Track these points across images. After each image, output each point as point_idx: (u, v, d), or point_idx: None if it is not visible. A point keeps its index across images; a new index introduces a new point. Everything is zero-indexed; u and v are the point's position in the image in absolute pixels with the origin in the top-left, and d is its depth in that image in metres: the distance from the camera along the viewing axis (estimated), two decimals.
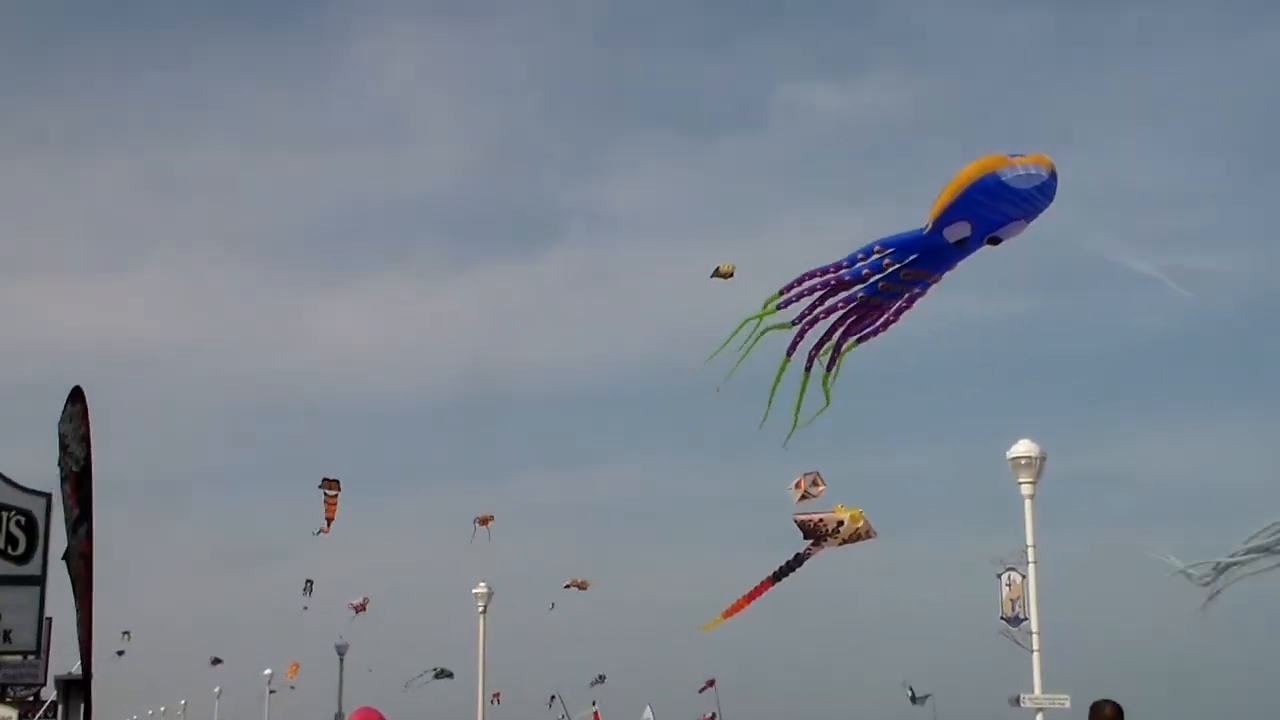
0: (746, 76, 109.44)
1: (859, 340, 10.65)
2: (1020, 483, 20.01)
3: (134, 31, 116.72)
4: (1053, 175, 9.79)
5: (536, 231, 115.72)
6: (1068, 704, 19.32)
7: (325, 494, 34.91)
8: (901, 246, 10.31)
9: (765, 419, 10.51)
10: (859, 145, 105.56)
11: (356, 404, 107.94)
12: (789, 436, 10.55)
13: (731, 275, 15.10)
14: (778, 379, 10.54)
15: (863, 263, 10.37)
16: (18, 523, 12.80)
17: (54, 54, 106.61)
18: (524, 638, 53.68)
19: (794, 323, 10.56)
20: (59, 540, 12.94)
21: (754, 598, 19.37)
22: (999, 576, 20.14)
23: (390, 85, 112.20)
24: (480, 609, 34.56)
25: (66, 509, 12.76)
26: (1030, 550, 19.91)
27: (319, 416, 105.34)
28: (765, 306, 10.55)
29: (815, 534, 20.16)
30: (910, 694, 48.79)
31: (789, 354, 10.55)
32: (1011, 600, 19.89)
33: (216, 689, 71.64)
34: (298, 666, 61.17)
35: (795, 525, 20.26)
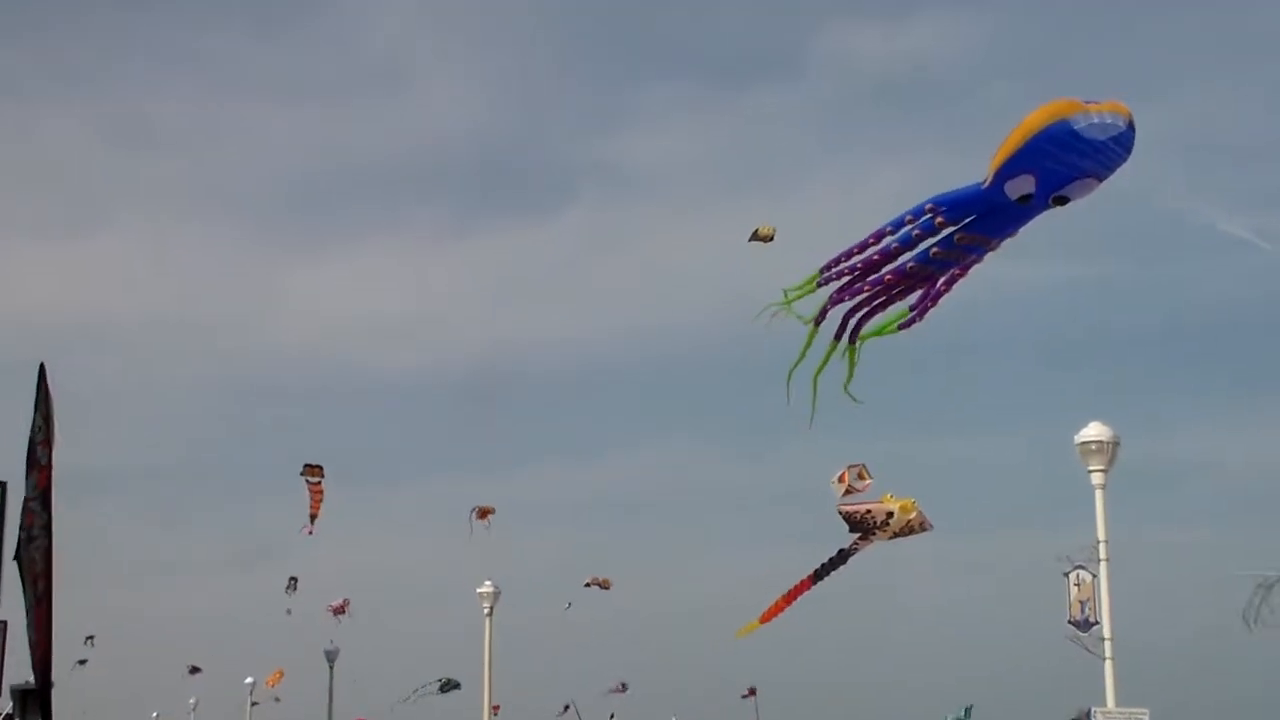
0: (781, 18, 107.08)
1: (909, 322, 10.45)
2: (1090, 470, 19.73)
3: None
4: (1130, 126, 9.46)
5: (546, 193, 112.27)
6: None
7: (308, 482, 34.14)
8: (956, 205, 9.95)
9: (789, 388, 10.42)
10: (907, 93, 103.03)
11: (346, 385, 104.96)
12: (811, 414, 10.48)
13: (771, 239, 15.33)
14: (803, 353, 10.35)
15: (911, 225, 10.06)
16: None
17: None
18: (534, 642, 53.05)
19: (831, 301, 10.41)
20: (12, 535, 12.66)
21: (793, 599, 19.22)
22: (1066, 575, 19.89)
23: (384, 29, 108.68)
24: (486, 610, 34.11)
25: (28, 500, 12.47)
26: (1102, 546, 19.65)
27: (304, 399, 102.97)
28: (805, 285, 10.43)
29: (862, 527, 19.99)
30: None
31: (817, 323, 10.41)
32: (1080, 602, 19.67)
33: (192, 700, 69.72)
34: (281, 674, 59.32)
35: (840, 517, 20.11)
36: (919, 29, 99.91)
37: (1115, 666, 19.38)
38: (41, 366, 12.59)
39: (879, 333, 10.56)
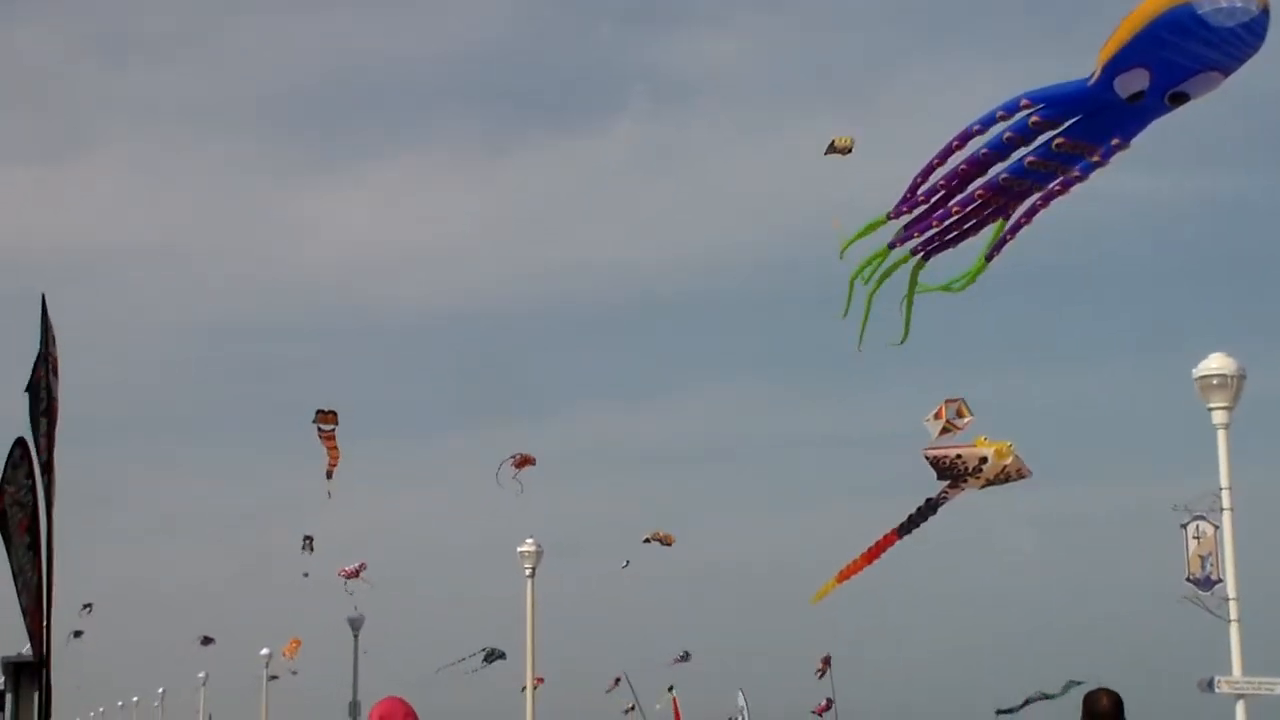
0: None
1: (999, 246, 10.19)
2: (1211, 408, 19.38)
3: None
4: (1264, 10, 8.98)
5: (590, 103, 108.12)
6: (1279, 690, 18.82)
7: (320, 430, 33.37)
8: (1057, 102, 9.49)
9: (846, 317, 10.32)
10: None
11: (364, 324, 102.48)
12: (860, 334, 10.41)
13: (850, 151, 15.93)
14: (860, 271, 10.19)
15: (1004, 124, 9.59)
16: None
17: None
18: (584, 607, 51.91)
19: (906, 233, 10.27)
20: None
21: (875, 556, 19.03)
22: (1184, 528, 19.56)
23: None
24: (527, 571, 33.22)
25: (33, 451, 12.26)
26: (1225, 494, 19.28)
27: (317, 339, 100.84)
28: (878, 221, 10.29)
29: (952, 473, 19.74)
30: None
31: (892, 246, 10.21)
32: (1201, 557, 19.28)
33: (201, 674, 68.61)
34: (298, 644, 58.07)
35: (927, 463, 19.93)
36: None
37: (1241, 630, 19.00)
38: (43, 299, 12.54)
39: (967, 279, 10.40)
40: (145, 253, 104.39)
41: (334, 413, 33.80)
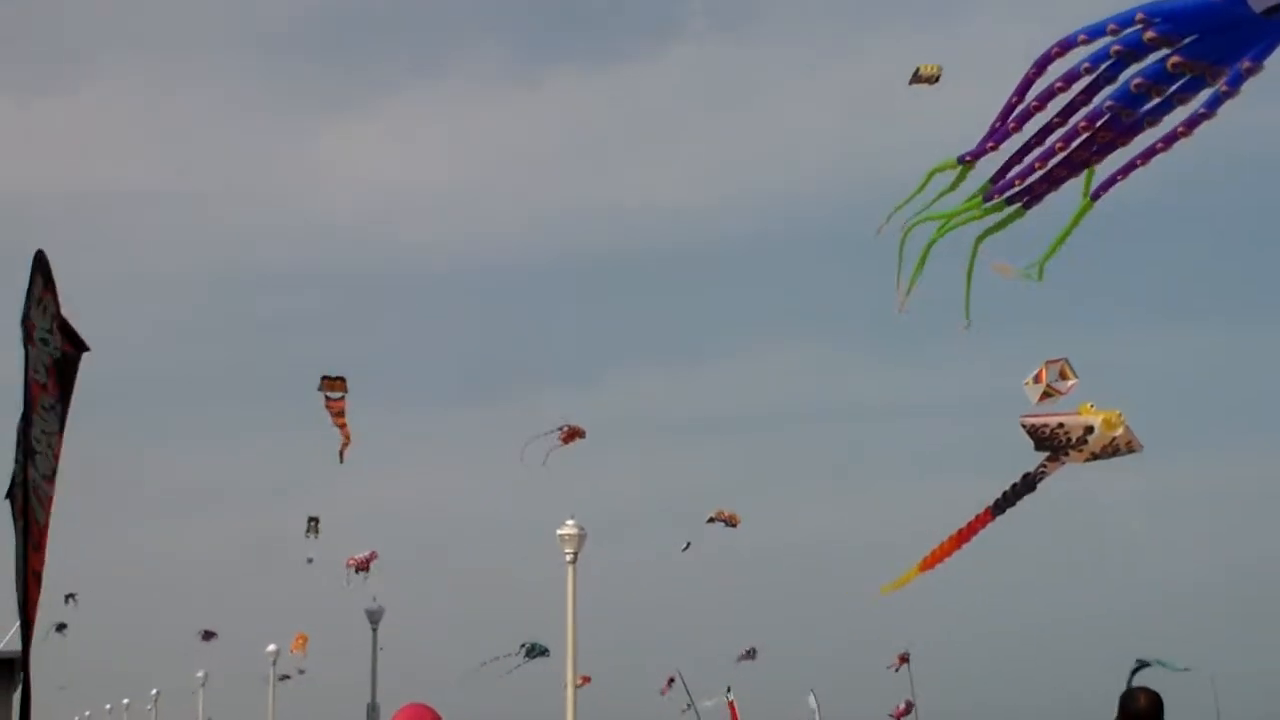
0: None
1: (1107, 185, 9.77)
2: None
3: None
4: None
5: (640, 27, 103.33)
6: None
7: (327, 398, 31.70)
8: (1177, 16, 8.75)
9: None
10: None
11: (383, 273, 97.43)
12: (910, 284, 10.16)
13: (937, 80, 15.89)
14: (941, 232, 9.81)
15: (1112, 38, 8.92)
16: None
17: None
18: (630, 596, 49.75)
19: (1000, 180, 9.86)
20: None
21: (964, 541, 18.54)
22: None
23: None
24: (568, 557, 32.25)
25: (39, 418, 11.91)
26: None
27: (332, 290, 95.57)
28: (944, 165, 10.07)
29: (1052, 444, 19.25)
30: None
31: (962, 160, 9.79)
32: None
33: (200, 673, 66.00)
34: (305, 639, 55.58)
35: (1024, 432, 19.43)
36: None
37: None
38: (40, 255, 12.11)
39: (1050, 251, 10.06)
40: (139, 197, 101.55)
41: (342, 379, 31.90)
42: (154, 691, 74.52)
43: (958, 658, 57.84)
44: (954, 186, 10.02)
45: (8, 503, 12.36)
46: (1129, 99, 9.19)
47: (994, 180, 9.89)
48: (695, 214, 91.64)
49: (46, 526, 12.24)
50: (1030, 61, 9.35)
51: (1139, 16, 8.85)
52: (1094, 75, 9.07)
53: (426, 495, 73.68)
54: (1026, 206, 9.94)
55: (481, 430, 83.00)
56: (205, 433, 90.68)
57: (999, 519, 19.17)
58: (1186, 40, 8.87)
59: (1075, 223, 9.98)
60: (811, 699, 50.24)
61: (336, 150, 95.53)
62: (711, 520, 42.25)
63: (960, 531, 18.89)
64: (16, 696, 12.87)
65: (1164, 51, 8.89)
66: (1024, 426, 19.54)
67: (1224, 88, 9.05)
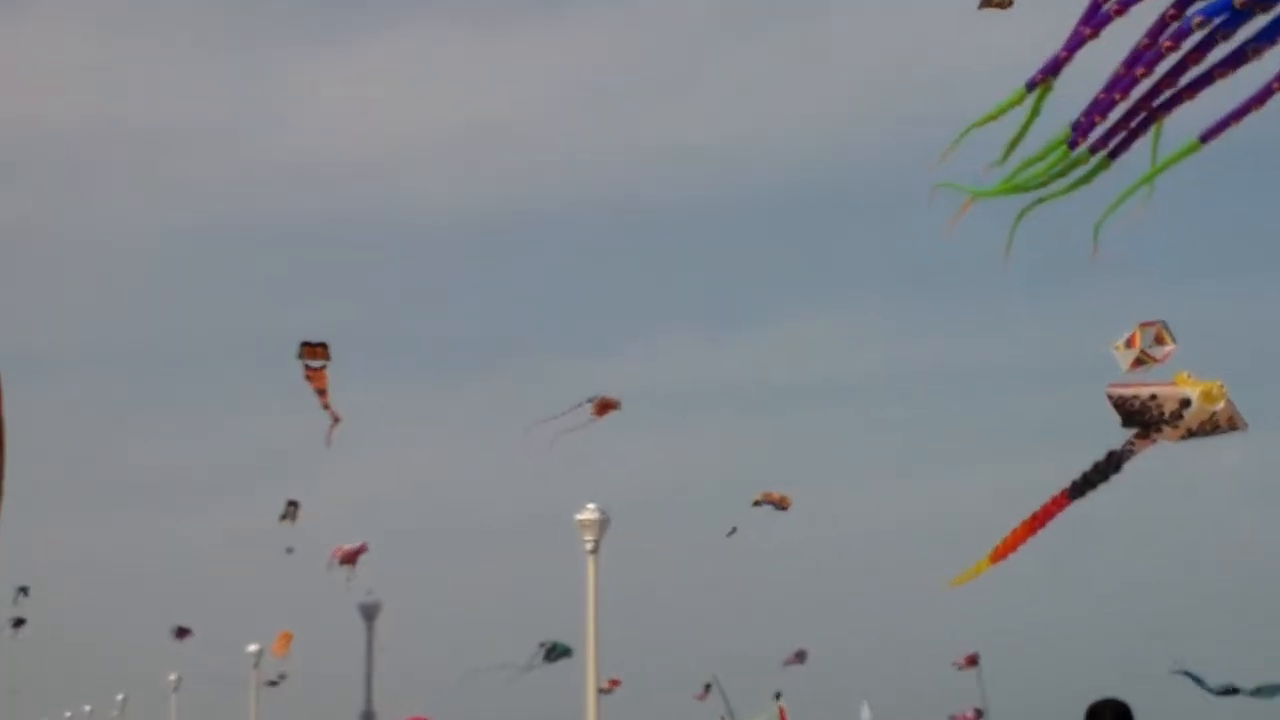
0: None
1: (1220, 128, 9.46)
2: None
3: None
4: None
5: None
6: None
7: (307, 367, 30.31)
8: None
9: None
10: None
11: (375, 225, 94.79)
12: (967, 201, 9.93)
13: (1010, 4, 15.73)
14: (1012, 180, 9.66)
15: None
16: None
17: None
18: (662, 589, 48.72)
19: (1086, 119, 9.60)
20: None
21: (1039, 526, 18.12)
22: None
23: None
24: (589, 546, 31.51)
25: None
26: None
27: (314, 246, 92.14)
28: (1014, 99, 9.88)
29: (1143, 419, 18.88)
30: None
31: (1031, 85, 9.57)
32: None
33: (173, 676, 64.70)
34: (289, 638, 53.74)
35: (1111, 405, 18.81)
36: None
37: None
38: None
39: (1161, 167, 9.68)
40: (96, 132, 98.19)
41: (324, 345, 30.26)
42: (120, 697, 72.92)
43: (1032, 657, 56.82)
44: (1031, 119, 9.83)
45: None
46: (1230, 20, 9.03)
47: (1075, 128, 9.71)
48: (733, 158, 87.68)
49: None
50: None
51: None
52: None
53: (426, 477, 71.82)
54: (1112, 155, 9.73)
55: (489, 402, 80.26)
56: (172, 408, 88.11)
57: (1077, 503, 18.74)
58: None
59: (1176, 158, 9.74)
60: (865, 710, 49.09)
61: (323, 84, 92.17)
62: (758, 503, 40.89)
63: (1034, 516, 18.46)
64: None
65: None
66: (1111, 398, 18.94)
67: None
